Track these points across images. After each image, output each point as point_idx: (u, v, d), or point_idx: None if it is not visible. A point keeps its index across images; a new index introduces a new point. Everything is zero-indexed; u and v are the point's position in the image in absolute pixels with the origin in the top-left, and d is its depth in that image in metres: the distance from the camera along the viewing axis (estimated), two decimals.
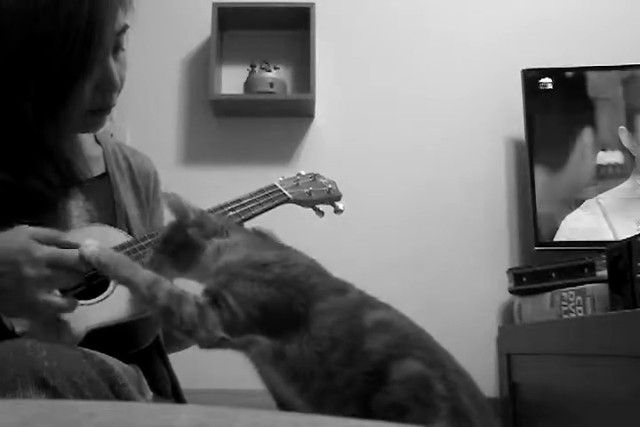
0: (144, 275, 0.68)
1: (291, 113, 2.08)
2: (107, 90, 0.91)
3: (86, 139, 1.06)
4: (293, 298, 0.64)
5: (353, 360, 0.59)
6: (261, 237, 0.78)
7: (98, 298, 0.85)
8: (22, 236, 0.77)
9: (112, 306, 0.85)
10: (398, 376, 0.57)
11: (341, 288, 0.67)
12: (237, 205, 1.01)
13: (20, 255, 0.75)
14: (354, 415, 0.57)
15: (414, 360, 0.58)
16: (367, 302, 0.66)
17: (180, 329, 0.64)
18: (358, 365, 0.59)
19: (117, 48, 0.91)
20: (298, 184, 1.08)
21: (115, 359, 0.72)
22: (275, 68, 2.05)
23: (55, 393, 0.59)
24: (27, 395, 0.58)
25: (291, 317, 0.63)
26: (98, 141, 1.08)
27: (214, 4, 2.05)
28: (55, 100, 0.86)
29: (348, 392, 0.58)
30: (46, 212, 0.92)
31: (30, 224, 0.85)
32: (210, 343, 0.63)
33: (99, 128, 0.98)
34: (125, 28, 0.91)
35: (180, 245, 0.73)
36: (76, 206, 0.97)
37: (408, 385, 0.57)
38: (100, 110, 0.93)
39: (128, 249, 0.90)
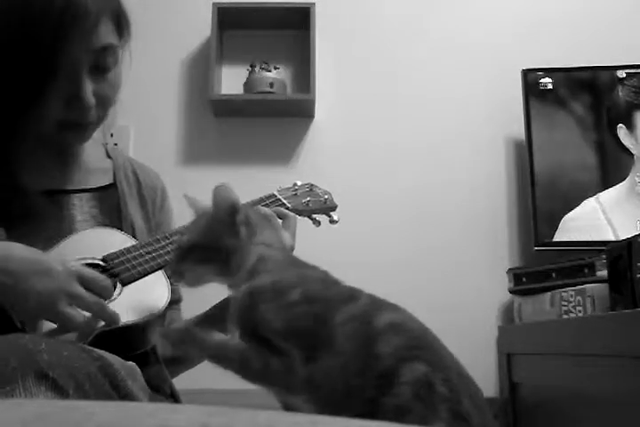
0: (211, 341, 0.63)
1: (291, 113, 2.08)
2: (74, 107, 0.90)
3: (94, 151, 1.08)
4: (317, 316, 0.63)
5: (367, 366, 0.59)
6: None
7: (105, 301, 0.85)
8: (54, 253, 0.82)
9: (118, 309, 0.84)
10: (406, 379, 0.57)
11: (353, 295, 0.66)
12: None
13: (54, 262, 0.78)
14: (358, 415, 0.57)
15: (421, 363, 0.59)
16: (378, 305, 0.65)
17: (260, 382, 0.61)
18: (371, 369, 0.59)
19: (100, 67, 0.91)
20: (296, 194, 1.11)
21: (113, 355, 0.72)
22: (275, 68, 2.05)
23: (55, 386, 0.59)
24: (26, 387, 0.58)
25: (318, 335, 0.62)
26: (109, 155, 1.10)
27: (214, 4, 2.05)
28: (15, 111, 0.87)
29: (359, 396, 0.58)
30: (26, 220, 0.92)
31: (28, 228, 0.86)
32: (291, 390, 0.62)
33: (79, 142, 0.99)
34: (109, 47, 0.91)
35: (217, 249, 0.66)
36: (81, 211, 0.98)
37: (413, 387, 0.57)
38: (75, 125, 0.93)
39: (134, 253, 0.91)
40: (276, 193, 1.09)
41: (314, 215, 1.12)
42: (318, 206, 1.12)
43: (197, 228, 0.68)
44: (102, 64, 0.91)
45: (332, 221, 1.13)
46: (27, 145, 0.93)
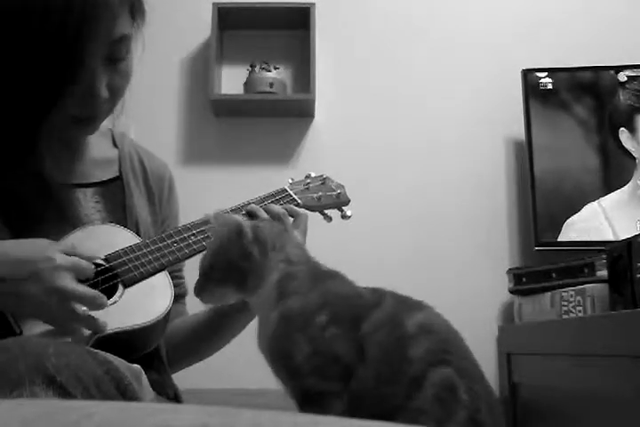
0: None
1: (291, 113, 2.08)
2: (87, 101, 0.89)
3: (100, 141, 1.06)
4: (345, 333, 0.62)
5: (399, 371, 0.58)
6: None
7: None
8: (43, 245, 0.80)
9: (120, 312, 0.84)
10: (432, 382, 0.57)
11: (376, 299, 0.64)
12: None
13: (43, 263, 0.77)
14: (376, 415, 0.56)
15: (448, 367, 0.58)
16: (405, 305, 0.64)
17: None
18: (404, 374, 0.58)
19: (114, 58, 0.89)
20: (308, 188, 1.07)
21: (119, 359, 0.72)
22: (275, 68, 2.05)
23: (62, 390, 0.59)
24: (34, 391, 0.58)
25: (351, 353, 0.61)
26: (115, 144, 1.08)
27: (214, 4, 2.05)
28: (37, 109, 0.85)
29: (390, 402, 0.57)
30: (34, 219, 0.91)
31: (33, 223, 0.85)
32: None
33: (86, 134, 0.98)
34: (124, 37, 0.88)
35: (238, 266, 0.66)
36: (86, 206, 0.96)
37: (437, 390, 0.57)
38: (84, 119, 0.92)
39: (138, 253, 0.90)
40: (287, 188, 1.06)
41: (325, 211, 1.09)
42: (330, 202, 1.08)
43: (213, 250, 0.69)
44: (117, 55, 0.89)
45: (345, 217, 1.10)
46: (49, 142, 0.92)
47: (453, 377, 0.58)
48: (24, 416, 0.33)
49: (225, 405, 0.38)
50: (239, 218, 0.68)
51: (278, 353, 0.63)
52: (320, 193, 1.07)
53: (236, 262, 0.66)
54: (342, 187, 1.11)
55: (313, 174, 1.10)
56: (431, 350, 0.59)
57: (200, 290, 0.70)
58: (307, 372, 0.61)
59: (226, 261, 0.67)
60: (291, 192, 1.05)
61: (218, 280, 0.68)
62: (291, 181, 1.08)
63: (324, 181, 1.10)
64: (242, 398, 1.43)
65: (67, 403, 0.37)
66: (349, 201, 1.11)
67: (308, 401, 0.61)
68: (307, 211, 1.03)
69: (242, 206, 0.99)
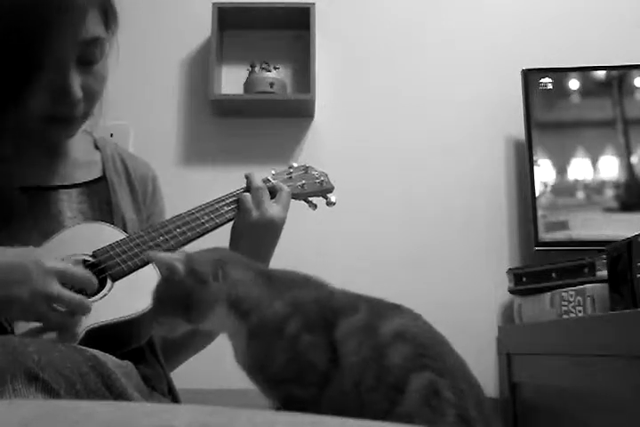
0: None
1: (291, 113, 2.08)
2: (61, 101, 0.89)
3: (82, 144, 1.07)
4: (318, 339, 0.61)
5: (379, 379, 0.58)
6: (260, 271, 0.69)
7: (96, 297, 0.85)
8: (32, 251, 0.80)
9: (110, 305, 0.85)
10: (414, 387, 0.57)
11: (351, 306, 0.64)
12: (234, 199, 1.03)
13: (30, 265, 0.77)
14: None
15: (429, 371, 0.58)
16: (380, 312, 0.64)
17: None
18: (384, 382, 0.58)
19: (87, 60, 0.90)
20: (291, 177, 1.10)
21: (107, 355, 0.72)
22: (275, 68, 2.05)
23: (45, 387, 0.59)
24: (16, 388, 0.58)
25: (326, 358, 0.61)
26: (97, 147, 1.09)
27: (214, 4, 2.05)
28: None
29: (373, 410, 0.57)
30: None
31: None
32: None
33: (65, 137, 0.98)
34: (96, 40, 0.89)
35: (180, 299, 0.66)
36: (70, 208, 0.97)
37: (421, 394, 0.57)
38: (62, 120, 0.92)
39: (124, 247, 0.91)
40: (270, 178, 1.08)
41: (310, 198, 1.12)
42: (314, 189, 1.11)
43: (156, 287, 0.69)
44: (89, 57, 0.90)
45: (330, 203, 1.13)
46: (11, 140, 0.92)
47: (435, 379, 0.58)
48: (24, 416, 0.33)
49: (223, 405, 0.38)
50: (172, 255, 0.67)
51: (254, 365, 0.64)
52: (303, 181, 1.10)
53: (178, 297, 0.66)
54: (325, 175, 1.14)
55: (295, 164, 1.13)
56: (409, 357, 0.59)
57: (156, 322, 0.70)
58: (284, 379, 0.62)
59: (168, 296, 0.67)
60: (274, 182, 1.07)
61: (165, 313, 0.68)
62: (273, 172, 1.10)
63: (306, 170, 1.13)
64: (240, 398, 1.43)
65: (66, 403, 0.37)
66: (333, 188, 1.14)
67: (288, 408, 0.61)
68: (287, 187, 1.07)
69: (225, 197, 1.04)
